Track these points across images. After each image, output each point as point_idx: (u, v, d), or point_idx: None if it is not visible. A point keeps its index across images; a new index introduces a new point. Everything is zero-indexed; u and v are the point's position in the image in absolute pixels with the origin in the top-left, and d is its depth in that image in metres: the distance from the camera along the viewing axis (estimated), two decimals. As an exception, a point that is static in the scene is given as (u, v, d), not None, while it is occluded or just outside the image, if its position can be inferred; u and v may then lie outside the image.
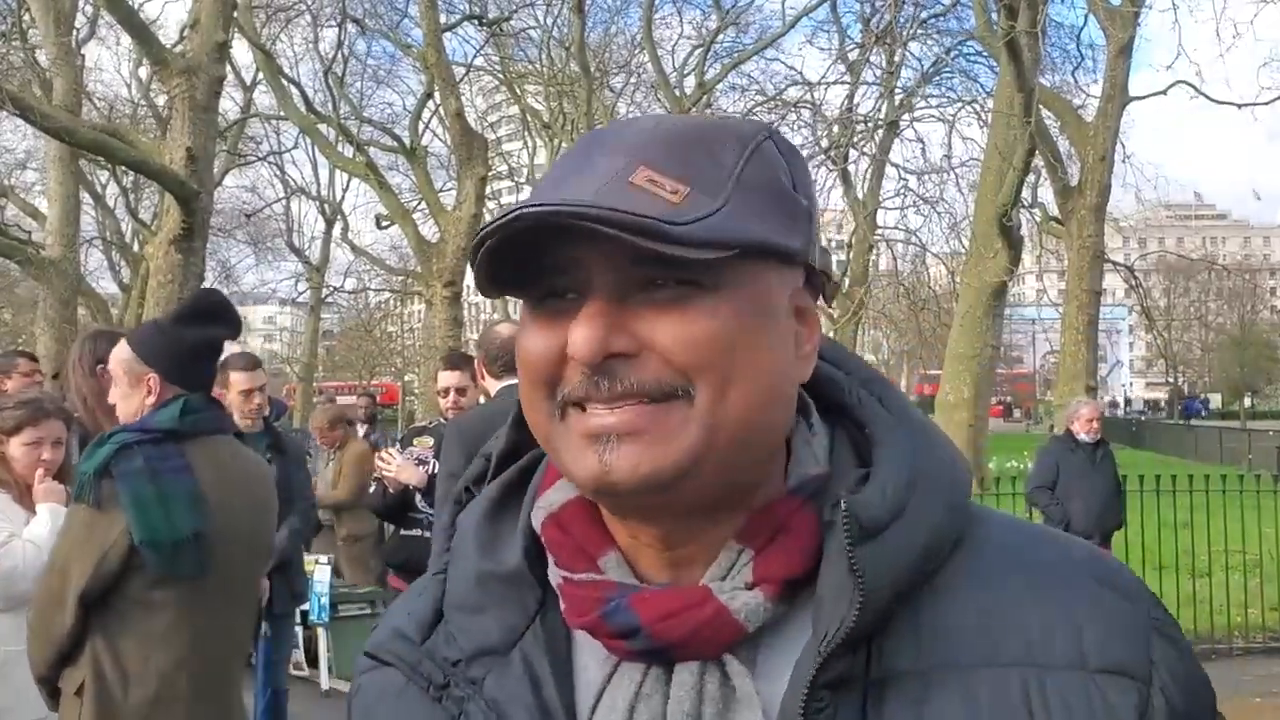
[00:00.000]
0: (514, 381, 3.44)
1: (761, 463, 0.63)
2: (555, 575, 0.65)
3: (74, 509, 2.18)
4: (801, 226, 0.63)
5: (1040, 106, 13.57)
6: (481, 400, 4.04)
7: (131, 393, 2.29)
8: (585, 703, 0.63)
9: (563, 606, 0.64)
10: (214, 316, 2.34)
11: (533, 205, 0.56)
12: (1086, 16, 16.47)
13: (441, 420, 4.30)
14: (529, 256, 0.60)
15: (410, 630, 0.69)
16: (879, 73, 22.17)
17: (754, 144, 0.63)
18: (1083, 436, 6.37)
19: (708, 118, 0.68)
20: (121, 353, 2.32)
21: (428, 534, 3.65)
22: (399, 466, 4.25)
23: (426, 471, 4.23)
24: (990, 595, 0.61)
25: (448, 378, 4.24)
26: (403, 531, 4.33)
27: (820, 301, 0.68)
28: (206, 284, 14.96)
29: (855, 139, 21.78)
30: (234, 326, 2.39)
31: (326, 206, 32.93)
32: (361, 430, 8.74)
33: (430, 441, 4.33)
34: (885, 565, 0.59)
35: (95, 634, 2.14)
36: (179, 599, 2.15)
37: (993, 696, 0.58)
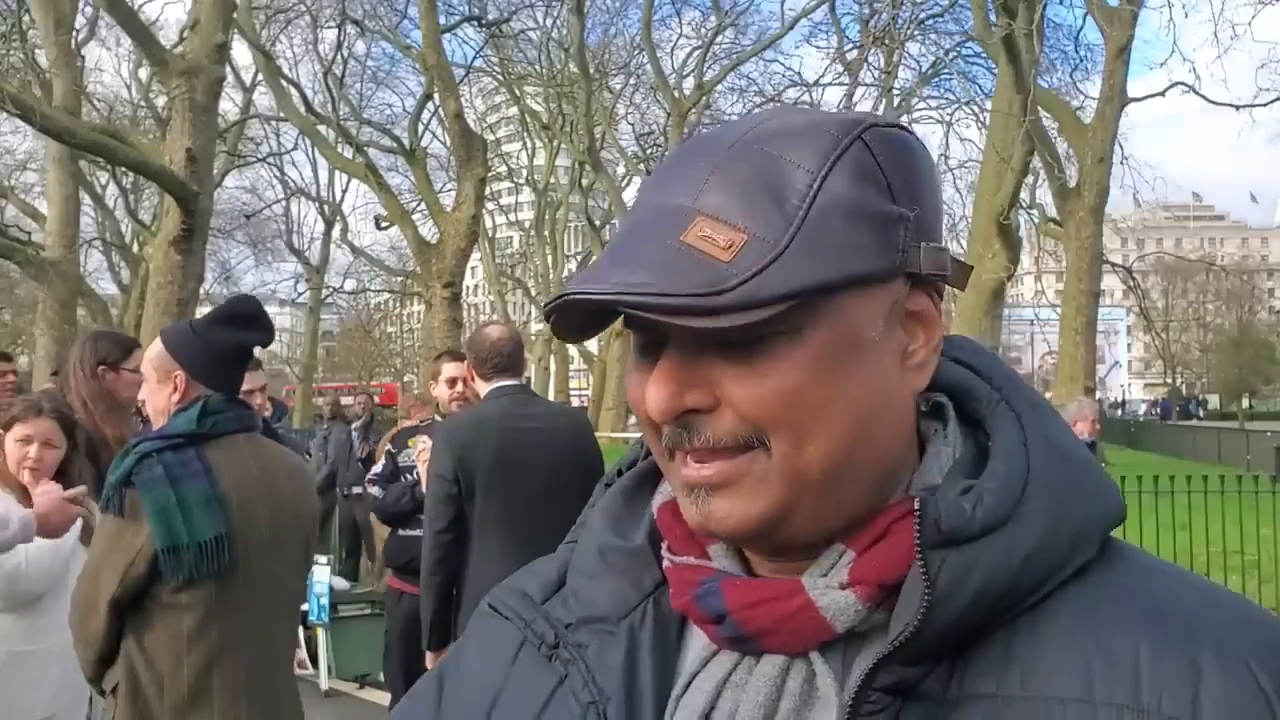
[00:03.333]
0: (504, 383, 3.45)
1: (869, 493, 0.61)
2: (666, 559, 0.66)
3: (103, 518, 2.25)
4: (893, 238, 0.59)
5: (1038, 108, 13.61)
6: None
7: (159, 388, 2.35)
8: (679, 684, 0.63)
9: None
10: (247, 322, 2.40)
11: (575, 293, 0.56)
12: (1085, 18, 16.52)
13: (436, 419, 4.26)
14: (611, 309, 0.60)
15: (533, 590, 0.71)
16: (877, 73, 22.23)
17: (835, 155, 0.58)
18: (1086, 438, 6.35)
19: (789, 123, 0.61)
20: (154, 348, 2.38)
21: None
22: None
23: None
24: (1114, 632, 0.57)
25: (454, 368, 4.17)
26: (403, 532, 4.31)
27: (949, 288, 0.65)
28: (206, 285, 15.00)
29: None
30: (266, 333, 2.45)
31: (326, 207, 33.01)
32: (356, 432, 8.74)
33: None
34: (964, 574, 0.56)
35: (129, 636, 2.20)
36: (206, 600, 2.19)
37: None
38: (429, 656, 3.47)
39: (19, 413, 2.83)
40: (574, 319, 0.61)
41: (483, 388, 3.50)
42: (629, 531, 0.69)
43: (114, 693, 2.21)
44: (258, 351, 2.60)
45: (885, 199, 0.59)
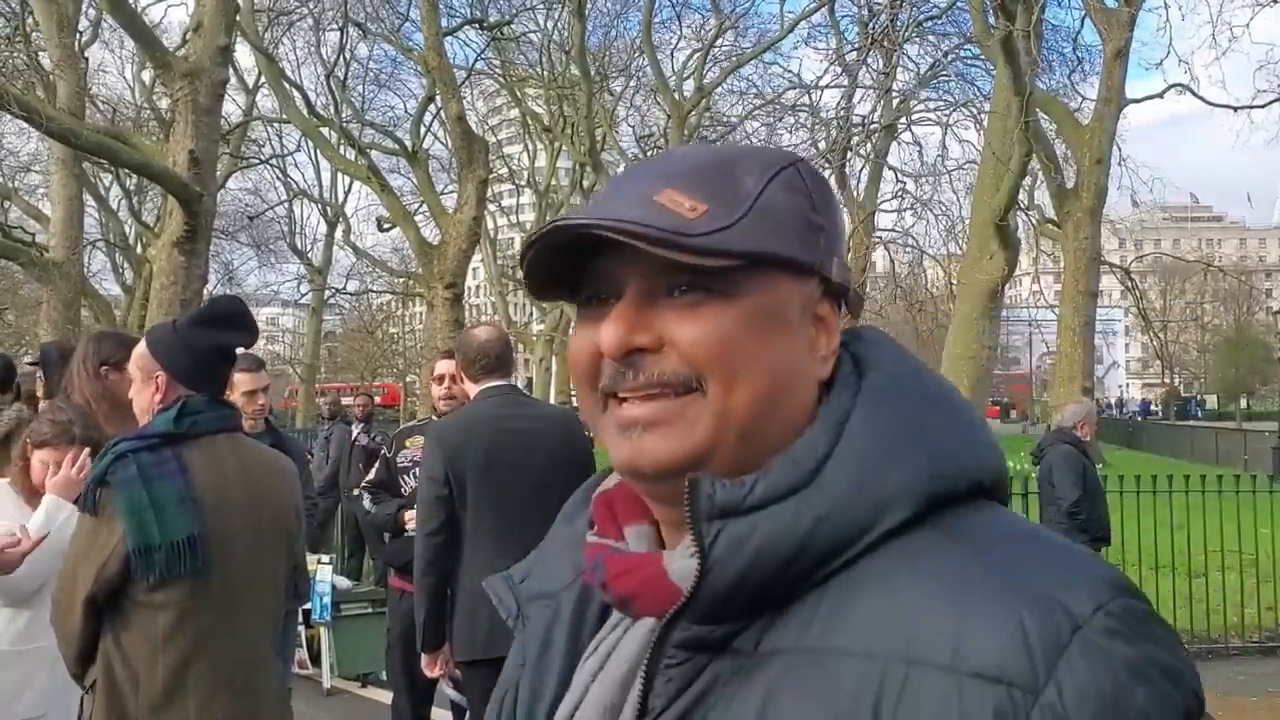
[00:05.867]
0: (493, 384, 3.47)
1: (770, 455, 0.67)
2: (588, 538, 0.74)
3: (80, 518, 2.26)
4: (817, 243, 0.70)
5: (1036, 109, 13.64)
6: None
7: (142, 388, 2.37)
8: (590, 648, 0.73)
9: None
10: (230, 322, 2.39)
11: (567, 221, 0.65)
12: (1083, 19, 16.49)
13: (432, 419, 4.25)
14: (573, 268, 0.70)
15: (518, 571, 0.82)
16: (876, 75, 22.25)
17: (776, 170, 0.70)
18: (1085, 439, 6.27)
19: (739, 146, 0.75)
20: (139, 349, 2.40)
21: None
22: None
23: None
24: (904, 590, 0.61)
25: (443, 365, 4.18)
26: (405, 533, 4.34)
27: (845, 312, 0.74)
28: (209, 286, 15.04)
29: (852, 142, 21.83)
30: (249, 333, 2.44)
31: (328, 209, 33.03)
32: (356, 429, 8.84)
33: (422, 441, 4.31)
34: (739, 542, 0.63)
35: (105, 634, 2.21)
36: (180, 600, 2.20)
37: (850, 684, 0.59)
38: (424, 657, 3.48)
39: (51, 438, 2.85)
40: (547, 267, 0.69)
41: (472, 389, 3.50)
42: (576, 521, 0.79)
43: (93, 689, 2.22)
44: (261, 352, 2.60)
45: (811, 211, 0.70)
